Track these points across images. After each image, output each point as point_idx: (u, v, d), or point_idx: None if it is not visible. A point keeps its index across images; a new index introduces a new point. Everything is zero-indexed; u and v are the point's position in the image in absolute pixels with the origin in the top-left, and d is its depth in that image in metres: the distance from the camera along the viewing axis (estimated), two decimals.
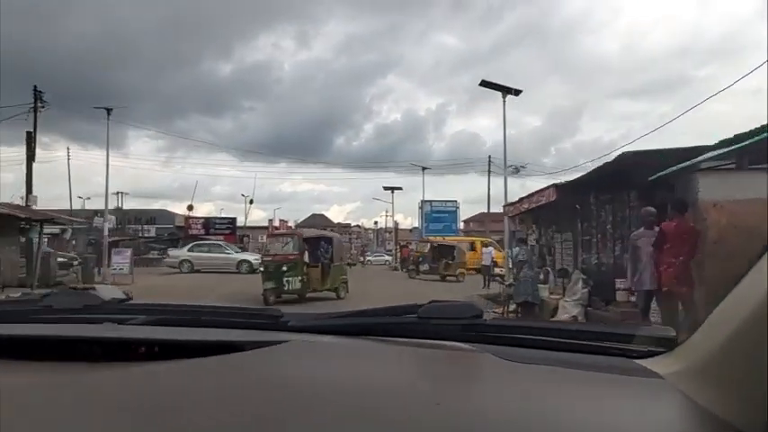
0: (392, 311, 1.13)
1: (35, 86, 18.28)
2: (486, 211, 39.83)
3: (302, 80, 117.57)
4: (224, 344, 0.93)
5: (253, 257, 26.49)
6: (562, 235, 12.44)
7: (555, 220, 12.80)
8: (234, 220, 58.52)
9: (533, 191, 12.87)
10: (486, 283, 18.18)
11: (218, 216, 58.81)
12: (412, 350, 0.99)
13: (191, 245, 29.61)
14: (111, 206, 50.58)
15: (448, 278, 22.75)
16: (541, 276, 11.50)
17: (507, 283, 12.44)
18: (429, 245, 26.59)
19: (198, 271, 25.42)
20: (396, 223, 51.06)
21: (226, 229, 57.68)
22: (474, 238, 30.47)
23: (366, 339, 1.03)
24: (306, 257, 14.13)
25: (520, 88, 15.50)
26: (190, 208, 51.81)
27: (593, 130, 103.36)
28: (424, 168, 35.75)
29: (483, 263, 20.42)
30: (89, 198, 47.51)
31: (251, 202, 59.93)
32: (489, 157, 37.70)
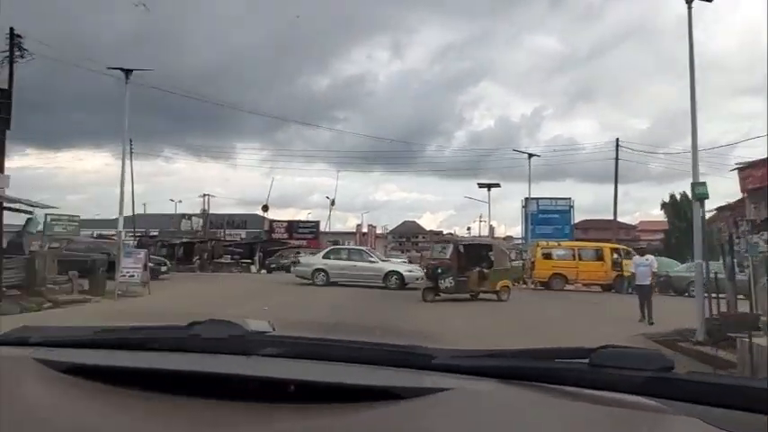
0: (556, 354, 1.01)
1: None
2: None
3: (395, 90, 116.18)
4: (379, 389, 0.85)
5: (404, 268, 20.64)
6: None
7: None
8: (317, 223, 55.92)
9: None
10: (645, 312, 11.49)
11: (302, 220, 56.47)
12: (585, 403, 0.84)
13: (326, 250, 22.52)
14: (197, 209, 51.34)
15: (483, 294, 15.48)
16: None
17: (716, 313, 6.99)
18: (452, 246, 16.94)
19: (335, 283, 19.01)
20: (491, 227, 44.97)
21: (309, 233, 55.38)
22: (601, 244, 23.82)
23: (532, 387, 0.89)
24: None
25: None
26: (265, 208, 49.19)
27: (709, 131, 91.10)
28: (530, 155, 28.62)
29: (637, 281, 12.21)
30: (180, 201, 46.84)
31: (332, 203, 56.64)
32: (617, 155, 30.16)
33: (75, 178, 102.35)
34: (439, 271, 15.32)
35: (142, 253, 15.37)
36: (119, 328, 1.22)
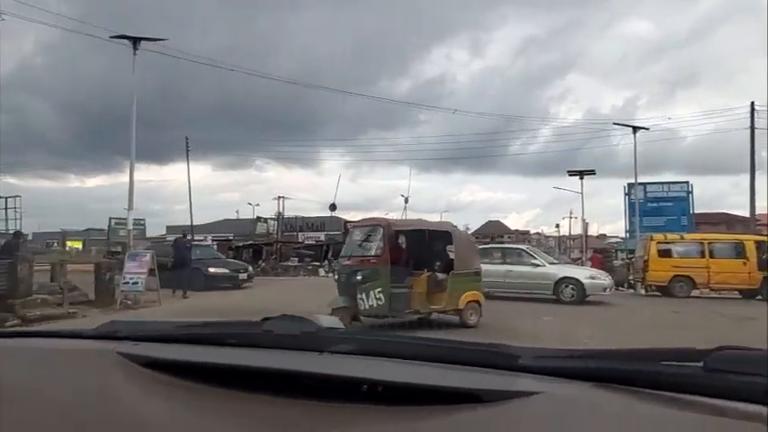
0: (663, 355, 0.86)
1: None
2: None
3: (476, 89, 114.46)
4: (459, 391, 0.79)
5: (584, 273, 14.55)
6: None
7: None
8: None
9: None
10: None
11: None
12: (700, 413, 0.72)
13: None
14: (269, 212, 50.58)
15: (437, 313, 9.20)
16: None
17: None
18: (381, 232, 8.81)
19: (486, 295, 12.05)
20: (585, 223, 39.28)
21: None
22: (741, 236, 18.29)
23: (634, 392, 0.78)
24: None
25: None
26: (333, 207, 46.68)
27: None
28: (635, 129, 22.76)
29: None
30: (258, 204, 46.40)
31: (406, 200, 53.39)
32: (753, 122, 23.95)
33: (180, 189, 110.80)
34: (358, 278, 8.41)
35: (148, 255, 12.22)
36: (196, 323, 1.25)
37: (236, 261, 20.63)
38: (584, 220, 39.12)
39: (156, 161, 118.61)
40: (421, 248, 9.73)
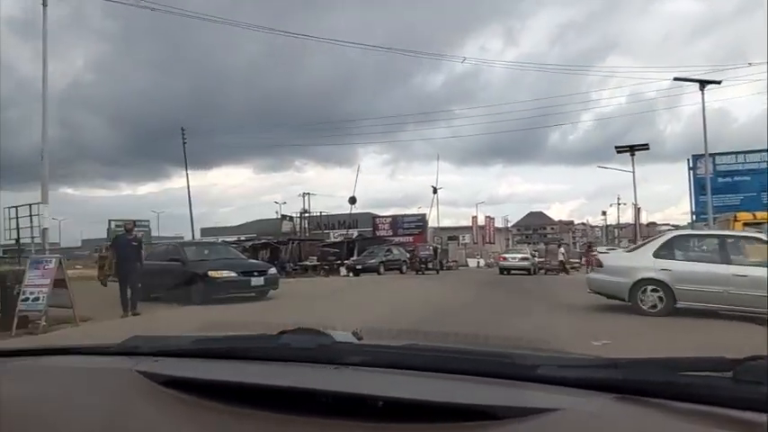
0: (690, 365, 0.82)
1: None
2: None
3: (512, 79, 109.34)
4: (473, 408, 0.76)
5: None
6: None
7: None
8: (423, 216, 49.43)
9: None
10: None
11: (406, 214, 50.54)
12: (733, 429, 0.69)
13: (663, 239, 9.59)
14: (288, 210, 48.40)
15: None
16: None
17: None
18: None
19: (682, 311, 8.47)
20: (637, 208, 34.87)
21: (415, 228, 49.49)
22: None
23: (659, 405, 0.75)
24: None
25: None
26: (352, 201, 43.64)
27: None
28: (703, 83, 17.44)
29: None
30: (285, 203, 44.49)
31: (435, 191, 49.83)
32: None
33: (224, 192, 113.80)
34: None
35: (53, 261, 8.79)
36: (216, 337, 1.25)
37: (254, 261, 16.05)
38: (635, 206, 34.59)
39: (201, 166, 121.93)
40: None
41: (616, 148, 28.64)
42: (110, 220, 36.84)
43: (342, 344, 1.07)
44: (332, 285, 18.55)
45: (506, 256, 28.97)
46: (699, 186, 22.08)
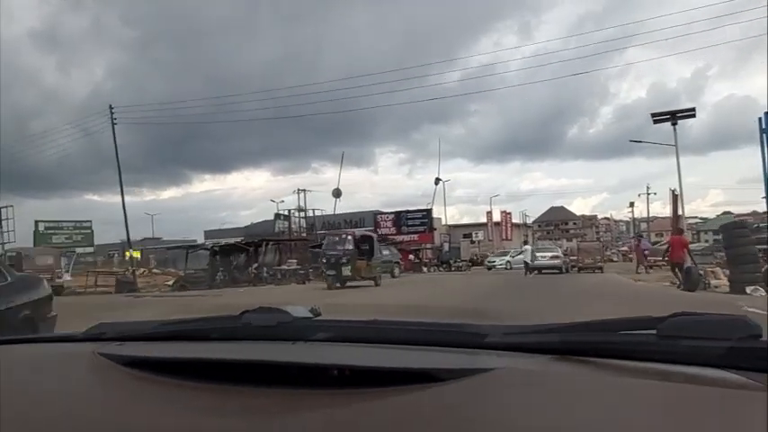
0: (619, 325, 0.89)
1: None
2: None
3: (528, 75, 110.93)
4: (422, 371, 0.81)
5: None
6: None
7: None
8: (429, 211, 43.95)
9: None
10: None
11: (410, 209, 45.33)
12: (654, 379, 0.75)
13: None
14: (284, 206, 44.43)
15: None
16: None
17: None
18: None
19: None
20: (675, 195, 28.02)
21: (420, 225, 44.42)
22: None
23: (591, 362, 0.82)
24: None
25: None
26: (337, 193, 38.50)
27: None
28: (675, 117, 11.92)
29: None
30: (282, 201, 41.24)
31: (436, 182, 44.67)
32: None
33: (244, 195, 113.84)
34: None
35: None
36: (179, 320, 1.28)
37: None
38: (672, 191, 27.69)
39: (221, 170, 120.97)
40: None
41: (653, 116, 23.25)
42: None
43: (301, 320, 1.11)
44: (279, 298, 13.75)
45: (536, 254, 27.09)
46: None
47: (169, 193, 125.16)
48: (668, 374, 0.74)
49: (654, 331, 0.79)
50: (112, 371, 0.93)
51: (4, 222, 24.55)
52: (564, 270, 25.95)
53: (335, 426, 0.72)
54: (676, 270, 16.30)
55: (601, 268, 27.56)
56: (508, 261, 35.69)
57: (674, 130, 22.57)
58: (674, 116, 22.26)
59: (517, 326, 0.97)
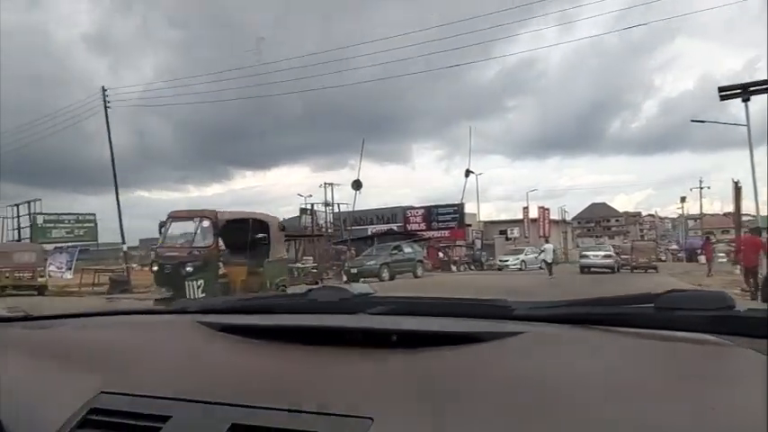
0: (624, 301, 1.09)
1: None
2: None
3: (568, 68, 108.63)
4: (464, 335, 0.98)
5: None
6: None
7: None
8: (460, 206, 41.05)
9: None
10: None
11: (441, 204, 42.55)
12: (652, 342, 0.95)
13: None
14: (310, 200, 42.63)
15: None
16: None
17: None
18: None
19: None
20: (737, 187, 23.90)
21: (451, 221, 41.65)
22: None
23: (598, 329, 1.00)
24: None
25: None
26: (356, 185, 35.66)
27: None
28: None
29: None
30: (311, 195, 39.14)
31: (467, 174, 41.73)
32: None
33: (284, 191, 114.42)
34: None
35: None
36: (256, 296, 1.53)
37: None
38: (736, 183, 23.41)
39: (261, 167, 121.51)
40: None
41: (720, 90, 19.80)
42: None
43: (360, 296, 1.27)
44: None
45: (587, 253, 27.83)
46: None
47: (213, 189, 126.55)
48: (663, 338, 0.93)
49: (652, 304, 0.97)
50: (211, 335, 1.11)
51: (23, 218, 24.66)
52: (615, 270, 25.27)
53: (398, 377, 0.85)
54: (749, 277, 13.72)
55: (655, 268, 26.87)
56: (523, 260, 32.74)
57: (746, 107, 19.22)
58: (745, 90, 18.88)
59: (542, 302, 1.15)
